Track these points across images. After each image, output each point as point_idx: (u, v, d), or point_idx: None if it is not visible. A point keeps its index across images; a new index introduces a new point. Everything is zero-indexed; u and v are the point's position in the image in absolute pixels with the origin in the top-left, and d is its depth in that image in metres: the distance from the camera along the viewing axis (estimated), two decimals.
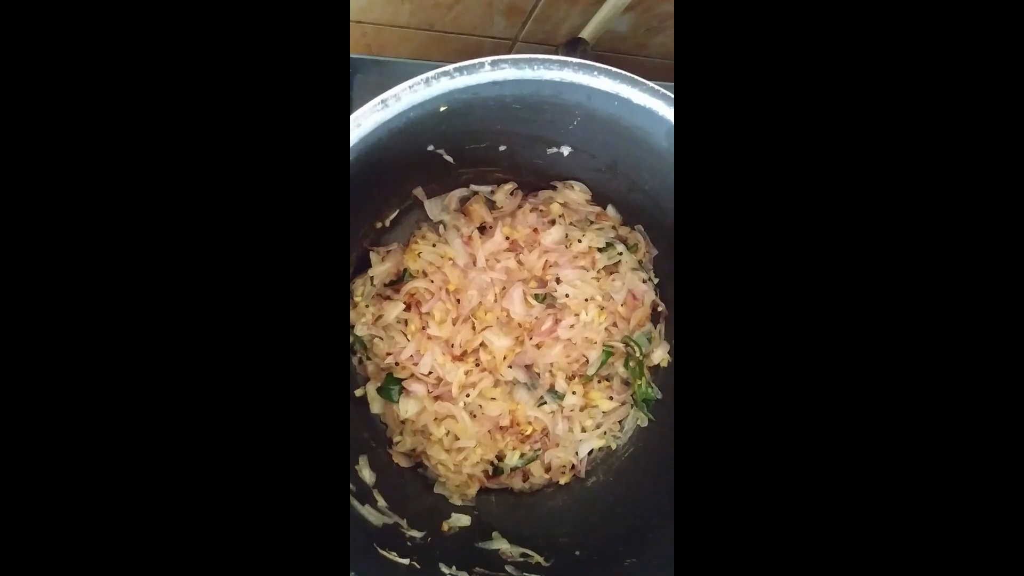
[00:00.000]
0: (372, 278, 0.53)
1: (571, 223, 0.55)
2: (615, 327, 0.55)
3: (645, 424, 0.56)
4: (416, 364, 0.52)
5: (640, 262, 0.56)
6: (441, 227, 0.54)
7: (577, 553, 0.49)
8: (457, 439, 0.52)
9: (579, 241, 0.54)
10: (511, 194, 0.55)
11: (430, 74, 0.36)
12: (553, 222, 0.54)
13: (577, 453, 0.55)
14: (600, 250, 0.55)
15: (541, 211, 0.55)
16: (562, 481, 0.55)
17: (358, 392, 0.53)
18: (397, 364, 0.52)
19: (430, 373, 0.52)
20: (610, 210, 0.56)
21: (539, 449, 0.54)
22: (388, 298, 0.53)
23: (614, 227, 0.56)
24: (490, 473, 0.54)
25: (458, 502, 0.52)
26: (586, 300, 0.54)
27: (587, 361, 0.54)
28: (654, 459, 0.54)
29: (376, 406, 0.53)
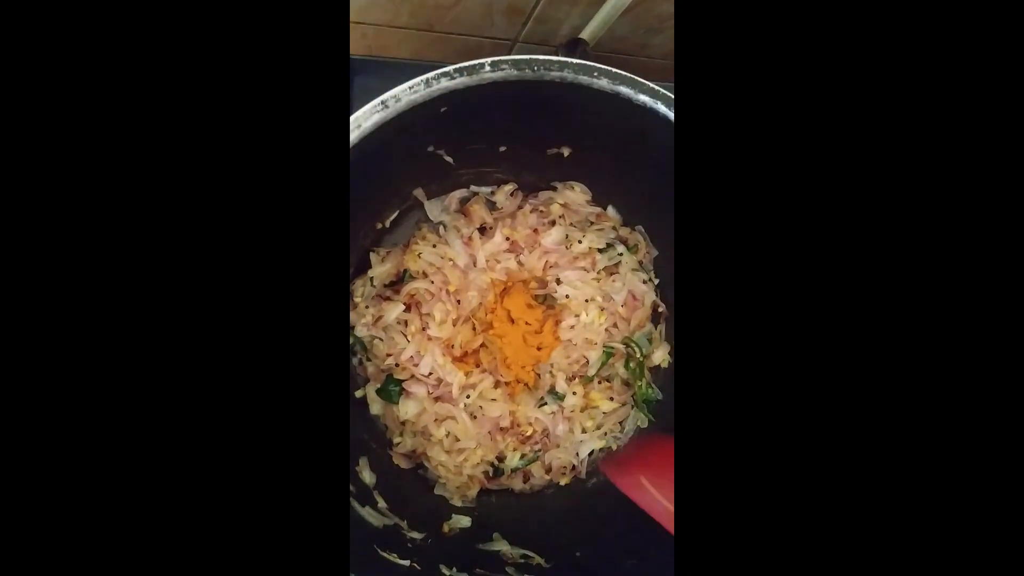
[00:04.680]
0: (372, 279, 0.53)
1: (571, 224, 0.55)
2: (615, 328, 0.55)
3: (645, 425, 0.56)
4: (416, 365, 0.52)
5: (640, 263, 0.56)
6: (441, 228, 0.54)
7: (577, 554, 0.49)
8: (457, 440, 0.52)
9: (579, 242, 0.54)
10: (511, 195, 0.55)
11: (430, 75, 0.36)
12: (553, 223, 0.54)
13: (578, 454, 0.55)
14: (600, 251, 0.55)
15: (541, 212, 0.55)
16: (563, 482, 0.55)
17: (358, 393, 0.53)
18: (397, 365, 0.52)
19: (430, 374, 0.52)
20: (610, 211, 0.56)
21: (539, 450, 0.54)
22: (388, 299, 0.53)
23: (614, 228, 0.56)
24: (490, 474, 0.54)
25: (458, 503, 0.52)
26: (586, 301, 0.54)
27: (587, 362, 0.54)
28: None
29: (376, 407, 0.53)
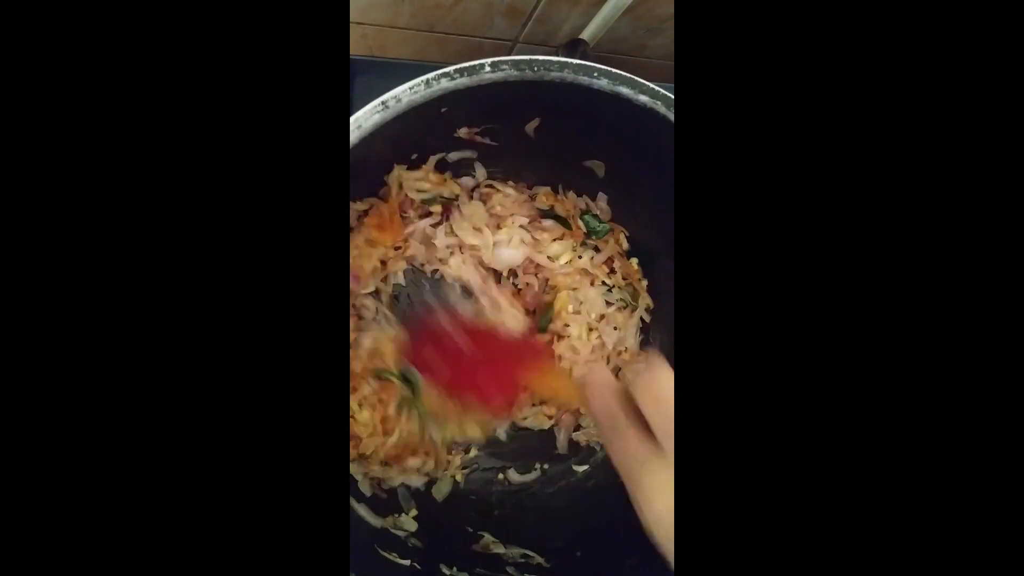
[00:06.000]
0: None
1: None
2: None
3: None
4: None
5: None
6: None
7: (578, 554, 0.49)
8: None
9: (579, 257, 0.54)
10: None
11: (431, 76, 0.36)
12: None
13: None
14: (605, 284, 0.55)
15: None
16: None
17: None
18: None
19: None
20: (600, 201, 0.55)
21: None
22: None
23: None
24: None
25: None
26: (575, 313, 0.53)
27: None
28: None
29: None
